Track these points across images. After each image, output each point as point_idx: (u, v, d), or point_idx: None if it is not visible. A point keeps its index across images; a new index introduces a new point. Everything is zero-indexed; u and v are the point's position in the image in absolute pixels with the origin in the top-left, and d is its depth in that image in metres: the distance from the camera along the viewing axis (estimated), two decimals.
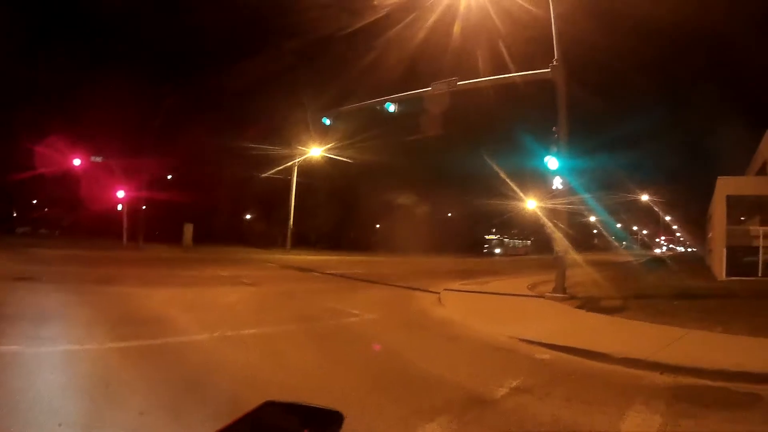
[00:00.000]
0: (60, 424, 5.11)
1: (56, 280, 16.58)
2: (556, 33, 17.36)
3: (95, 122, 42.61)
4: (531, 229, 72.28)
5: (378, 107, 24.13)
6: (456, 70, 21.51)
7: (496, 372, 8.19)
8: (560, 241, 17.85)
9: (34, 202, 54.25)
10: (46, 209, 54.45)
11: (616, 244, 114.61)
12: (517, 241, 69.63)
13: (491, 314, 14.14)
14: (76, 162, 41.53)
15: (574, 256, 21.11)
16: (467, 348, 10.15)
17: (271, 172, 46.47)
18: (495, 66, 20.37)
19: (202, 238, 47.33)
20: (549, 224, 17.91)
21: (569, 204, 18.01)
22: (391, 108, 23.38)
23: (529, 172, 32.40)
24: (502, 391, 6.91)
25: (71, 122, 42.22)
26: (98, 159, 43.62)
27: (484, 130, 57.30)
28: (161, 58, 53.98)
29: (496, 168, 37.14)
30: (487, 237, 69.25)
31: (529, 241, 70.75)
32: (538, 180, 25.15)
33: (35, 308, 11.42)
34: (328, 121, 28.33)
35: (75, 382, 6.65)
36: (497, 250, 66.14)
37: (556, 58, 17.69)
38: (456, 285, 21.12)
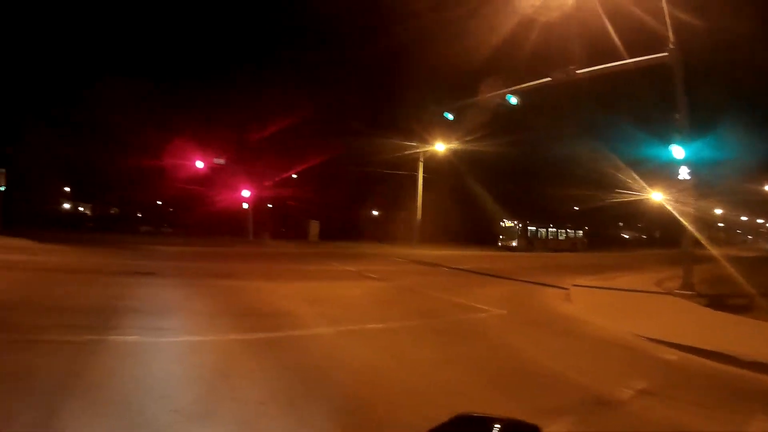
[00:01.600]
0: (175, 411, 5.29)
1: (181, 274, 17.43)
2: (668, 15, 16.69)
3: (219, 125, 44.63)
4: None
5: (499, 100, 24.01)
6: (562, 59, 21.23)
7: (622, 372, 7.95)
8: (688, 235, 17.20)
9: (160, 206, 56.95)
10: (171, 209, 56.98)
11: (743, 237, 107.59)
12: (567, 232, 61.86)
13: (618, 311, 13.60)
14: (199, 164, 43.69)
15: (704, 250, 20.22)
16: (593, 346, 9.85)
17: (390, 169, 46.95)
18: (602, 55, 19.85)
19: (328, 234, 48.26)
20: (679, 218, 17.23)
21: (696, 195, 17.34)
22: (513, 100, 23.23)
23: (639, 162, 31.44)
24: (628, 393, 6.61)
25: (197, 126, 44.35)
26: (221, 161, 45.56)
27: (588, 120, 55.87)
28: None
29: (611, 159, 36.13)
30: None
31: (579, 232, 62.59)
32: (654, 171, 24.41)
33: (157, 301, 11.98)
34: (450, 116, 28.32)
35: (193, 372, 6.83)
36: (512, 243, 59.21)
37: (672, 41, 17.01)
38: (583, 281, 20.54)
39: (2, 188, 35.09)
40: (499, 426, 1.97)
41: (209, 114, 46.79)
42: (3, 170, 34.83)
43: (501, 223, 54.47)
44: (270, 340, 8.61)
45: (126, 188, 50.88)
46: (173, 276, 16.85)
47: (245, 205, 46.65)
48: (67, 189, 60.17)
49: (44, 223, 41.65)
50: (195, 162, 43.69)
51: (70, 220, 53.01)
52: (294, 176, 51.31)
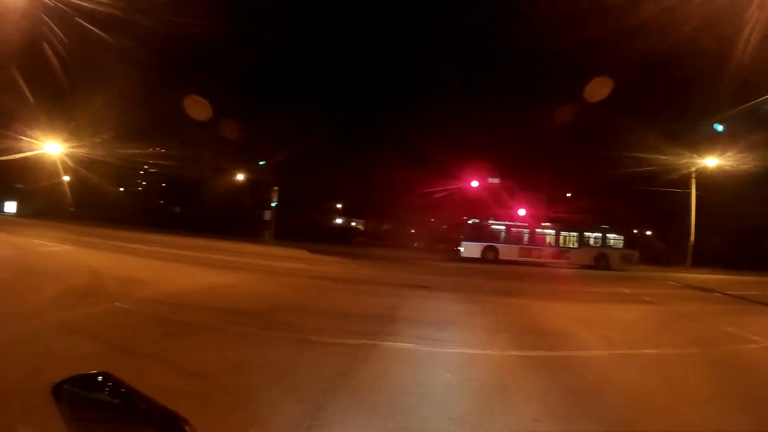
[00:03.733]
0: (449, 418, 5.29)
1: (456, 289, 17.58)
2: None
3: (492, 145, 45.22)
4: None
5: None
6: None
7: None
8: None
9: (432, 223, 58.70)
10: (444, 227, 58.44)
11: None
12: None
13: None
14: (474, 184, 44.47)
15: None
16: None
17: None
18: None
19: None
20: None
21: None
22: None
23: None
24: None
25: (470, 146, 45.35)
26: (495, 180, 46.01)
27: None
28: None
29: None
30: None
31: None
32: None
33: (432, 313, 12.26)
34: (720, 128, 25.93)
35: (469, 383, 6.81)
36: None
37: None
38: None
39: (274, 204, 38.99)
40: None
41: (484, 134, 47.62)
42: (276, 188, 38.73)
43: None
44: (548, 359, 8.46)
45: (399, 206, 53.33)
46: (448, 290, 17.14)
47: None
48: (339, 205, 64.78)
49: (315, 236, 45.05)
50: (470, 182, 44.61)
51: (341, 233, 56.76)
52: (568, 195, 50.40)
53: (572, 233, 36.67)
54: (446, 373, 7.17)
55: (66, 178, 59.33)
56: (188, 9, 27.14)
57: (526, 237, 36.56)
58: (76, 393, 1.76)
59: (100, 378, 1.85)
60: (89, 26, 23.93)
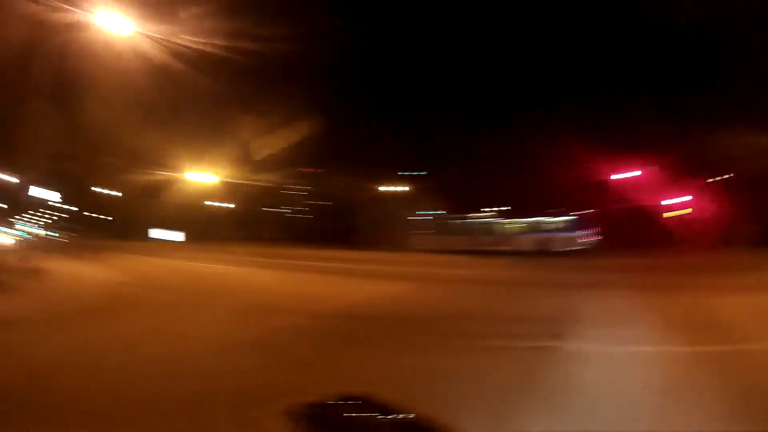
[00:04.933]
0: (631, 419, 5.25)
1: (624, 285, 16.82)
2: None
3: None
4: None
5: None
6: None
7: None
8: None
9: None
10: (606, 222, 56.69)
11: None
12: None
13: None
14: (633, 173, 43.10)
15: None
16: None
17: None
18: None
19: None
20: None
21: None
22: None
23: None
24: None
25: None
26: (653, 169, 44.26)
27: None
28: None
29: None
30: None
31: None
32: None
33: (609, 312, 12.01)
34: None
35: (647, 382, 6.62)
36: None
37: None
38: None
39: (428, 212, 39.71)
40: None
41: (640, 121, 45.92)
42: (427, 196, 39.43)
43: None
44: (722, 353, 7.95)
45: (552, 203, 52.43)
46: (615, 288, 16.35)
47: (682, 212, 44.60)
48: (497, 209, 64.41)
49: None
50: (621, 172, 43.43)
51: None
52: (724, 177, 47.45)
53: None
54: (624, 373, 7.06)
55: (226, 205, 63.98)
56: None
57: None
58: (325, 416, 1.69)
59: (352, 400, 1.78)
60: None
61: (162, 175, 50.38)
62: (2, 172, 43.95)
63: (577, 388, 6.37)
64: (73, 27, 18.79)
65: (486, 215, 47.37)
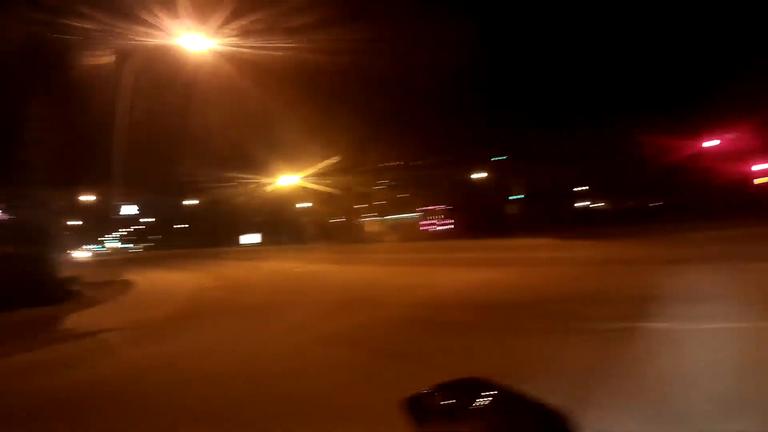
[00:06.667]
0: (711, 400, 5.19)
1: (708, 260, 16.58)
2: None
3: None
4: None
5: None
6: None
7: None
8: None
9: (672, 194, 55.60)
10: (692, 194, 55.07)
11: None
12: None
13: None
14: (710, 143, 41.99)
15: None
16: None
17: None
18: None
19: None
20: None
21: None
22: None
23: None
24: None
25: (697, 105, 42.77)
26: (732, 137, 43.09)
27: None
28: None
29: None
30: None
31: None
32: None
33: (689, 289, 11.70)
34: None
35: (728, 361, 6.51)
36: None
37: None
38: None
39: (520, 196, 39.63)
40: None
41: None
42: (521, 180, 39.31)
43: None
44: None
45: (640, 179, 51.51)
46: (705, 262, 16.15)
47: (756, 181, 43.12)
48: (583, 188, 63.50)
49: (564, 222, 44.83)
50: (703, 142, 42.34)
51: (587, 216, 55.82)
52: None
53: None
54: (705, 351, 6.99)
55: (306, 205, 65.29)
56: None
57: None
58: (440, 404, 1.59)
59: (467, 384, 1.67)
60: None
61: (246, 181, 51.92)
62: (89, 194, 46.19)
63: (652, 369, 6.41)
64: (147, 49, 19.76)
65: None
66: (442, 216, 63.42)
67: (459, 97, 47.09)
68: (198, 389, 7.12)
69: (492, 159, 55.20)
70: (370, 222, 66.19)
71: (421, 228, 62.70)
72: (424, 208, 65.10)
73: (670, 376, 6.08)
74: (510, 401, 1.58)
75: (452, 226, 56.96)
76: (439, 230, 58.80)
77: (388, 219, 66.09)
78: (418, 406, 1.60)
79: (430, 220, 64.71)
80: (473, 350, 8.08)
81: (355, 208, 66.52)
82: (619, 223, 45.36)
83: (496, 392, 1.59)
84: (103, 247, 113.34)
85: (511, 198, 42.58)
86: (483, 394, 1.58)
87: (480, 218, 49.56)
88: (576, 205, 61.05)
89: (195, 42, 19.43)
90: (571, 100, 49.14)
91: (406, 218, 65.41)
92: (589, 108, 50.53)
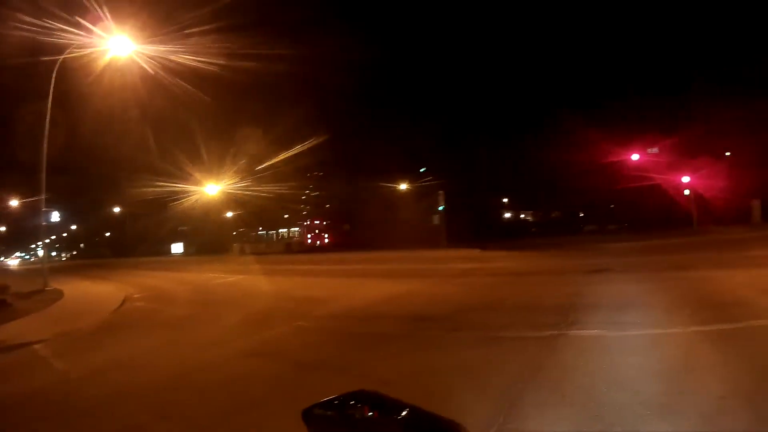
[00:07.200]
0: (641, 403, 5.21)
1: (630, 269, 17.07)
2: None
3: (646, 119, 43.90)
4: None
5: None
6: None
7: None
8: None
9: (600, 205, 57.19)
10: (612, 206, 56.64)
11: None
12: None
13: None
14: (635, 157, 43.33)
15: None
16: None
17: None
18: None
19: None
20: None
21: None
22: None
23: None
24: None
25: (619, 120, 44.29)
26: (654, 150, 44.54)
27: None
28: None
29: None
30: None
31: None
32: None
33: (613, 297, 11.85)
34: None
35: (656, 365, 6.66)
36: None
37: None
38: None
39: (441, 207, 40.11)
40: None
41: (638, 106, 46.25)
42: (441, 192, 39.80)
43: None
44: (729, 332, 7.92)
45: (564, 191, 52.83)
46: (627, 272, 16.67)
47: (686, 192, 44.65)
48: (505, 200, 64.73)
49: (486, 234, 45.40)
50: (630, 155, 43.63)
51: (511, 228, 56.88)
52: (727, 154, 47.60)
53: None
54: (633, 357, 7.02)
55: (229, 214, 65.10)
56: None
57: None
58: (332, 416, 1.67)
59: (355, 398, 1.72)
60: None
61: (168, 188, 51.06)
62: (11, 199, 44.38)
63: (581, 375, 6.36)
64: (73, 49, 19.35)
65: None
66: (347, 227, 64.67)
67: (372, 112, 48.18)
68: (127, 402, 6.96)
69: (414, 172, 55.86)
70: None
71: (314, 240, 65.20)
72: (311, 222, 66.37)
73: (600, 380, 6.06)
74: (397, 414, 1.59)
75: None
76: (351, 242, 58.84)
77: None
78: (311, 417, 1.67)
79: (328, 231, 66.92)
80: (395, 360, 7.93)
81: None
82: (543, 235, 46.22)
83: (384, 405, 1.66)
84: (29, 256, 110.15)
85: (435, 210, 42.80)
86: (370, 406, 1.65)
87: (397, 230, 49.85)
88: (499, 216, 62.30)
89: (121, 46, 19.32)
90: (488, 112, 50.52)
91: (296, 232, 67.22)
92: (509, 119, 52.10)
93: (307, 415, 1.68)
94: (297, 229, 68.48)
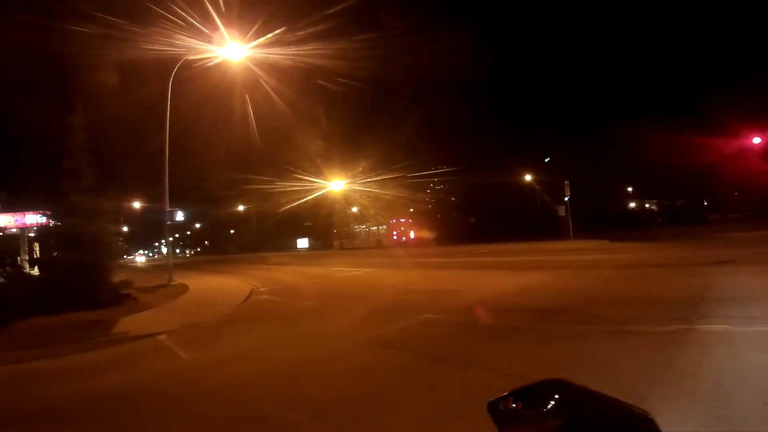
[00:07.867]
0: (765, 404, 5.06)
1: (757, 261, 16.55)
2: None
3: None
4: None
5: None
6: None
7: None
8: None
9: (726, 192, 54.51)
10: (735, 193, 53.87)
11: None
12: None
13: None
14: (756, 140, 41.16)
15: None
16: None
17: None
18: None
19: None
20: None
21: None
22: None
23: None
24: None
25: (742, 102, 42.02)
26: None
27: None
28: None
29: None
30: None
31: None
32: None
33: (740, 290, 11.53)
34: None
35: None
36: None
37: None
38: None
39: (567, 198, 39.38)
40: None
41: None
42: (567, 182, 39.07)
43: None
44: None
45: (690, 179, 50.78)
46: (754, 264, 16.04)
47: None
48: (630, 189, 62.78)
49: (612, 224, 44.20)
50: (752, 138, 41.52)
51: (635, 218, 55.10)
52: None
53: None
54: (761, 354, 6.73)
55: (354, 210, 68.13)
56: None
57: None
58: (520, 409, 1.62)
59: (550, 387, 1.68)
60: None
61: (289, 187, 52.61)
62: (139, 201, 47.18)
63: (708, 372, 6.26)
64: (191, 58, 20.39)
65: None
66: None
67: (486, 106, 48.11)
68: (252, 391, 7.23)
69: (539, 163, 55.09)
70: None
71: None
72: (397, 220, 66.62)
73: (726, 378, 5.92)
74: (586, 401, 1.61)
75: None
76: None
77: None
78: (496, 410, 1.65)
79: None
80: (523, 354, 8.06)
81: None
82: (669, 224, 44.49)
83: (571, 392, 1.64)
84: (153, 253, 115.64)
85: (561, 201, 42.08)
86: (558, 395, 1.63)
87: (526, 221, 49.30)
88: (624, 206, 60.42)
89: (234, 51, 20.26)
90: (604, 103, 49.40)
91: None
92: (625, 110, 50.70)
93: (493, 407, 1.66)
94: (384, 226, 68.40)
